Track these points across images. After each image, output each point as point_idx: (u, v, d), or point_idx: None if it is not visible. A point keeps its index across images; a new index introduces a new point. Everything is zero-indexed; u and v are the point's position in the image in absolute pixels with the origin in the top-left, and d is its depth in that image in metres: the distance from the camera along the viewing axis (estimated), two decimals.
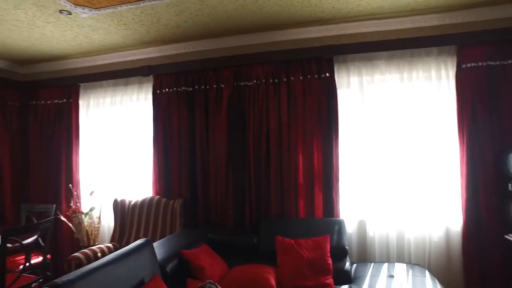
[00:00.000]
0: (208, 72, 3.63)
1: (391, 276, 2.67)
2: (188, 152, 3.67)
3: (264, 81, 3.47)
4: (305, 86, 3.37)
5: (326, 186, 3.28)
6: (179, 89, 3.74)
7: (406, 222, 3.15)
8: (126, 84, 4.04)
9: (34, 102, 4.32)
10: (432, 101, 3.18)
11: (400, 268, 2.80)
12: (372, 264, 2.95)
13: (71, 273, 1.70)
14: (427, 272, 2.71)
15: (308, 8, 2.99)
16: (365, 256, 3.24)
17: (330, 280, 2.59)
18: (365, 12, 3.13)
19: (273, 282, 2.45)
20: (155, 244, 2.71)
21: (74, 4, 2.79)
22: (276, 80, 3.45)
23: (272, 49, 3.49)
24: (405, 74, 3.24)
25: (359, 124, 3.33)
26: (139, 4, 2.78)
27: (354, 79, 3.37)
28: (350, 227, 3.29)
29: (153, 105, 3.83)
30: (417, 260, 3.10)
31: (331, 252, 2.77)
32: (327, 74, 3.31)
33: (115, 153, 4.03)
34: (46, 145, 4.19)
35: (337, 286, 2.57)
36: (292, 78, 3.40)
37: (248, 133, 3.48)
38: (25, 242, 2.82)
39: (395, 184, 3.20)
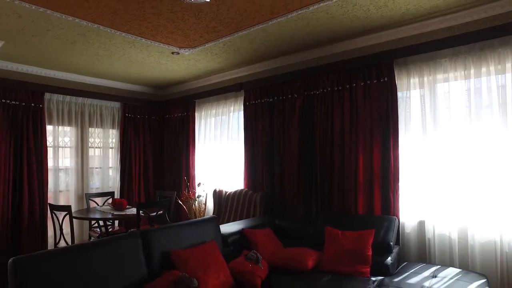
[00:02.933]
0: (284, 85, 4.26)
1: (434, 277, 2.70)
2: (269, 153, 4.38)
3: (329, 89, 3.85)
4: (366, 91, 3.60)
5: (384, 185, 3.43)
6: (262, 100, 4.49)
7: (471, 226, 3.00)
8: (226, 99, 5.07)
9: (167, 116, 5.87)
10: (506, 94, 2.93)
11: (450, 272, 2.77)
12: (423, 264, 2.98)
13: (153, 227, 2.65)
14: (481, 282, 2.57)
15: (357, 21, 3.27)
16: (425, 257, 3.23)
17: (366, 270, 2.84)
18: (420, 13, 3.15)
19: (309, 262, 2.89)
20: (230, 223, 3.56)
21: (179, 47, 3.90)
22: (340, 88, 3.78)
23: (336, 60, 3.85)
24: (473, 70, 3.08)
25: (422, 125, 3.34)
26: (219, 40, 3.67)
27: (414, 80, 3.40)
28: (409, 227, 3.34)
29: (244, 114, 4.70)
30: (484, 270, 2.90)
31: (375, 246, 2.97)
32: (385, 78, 3.46)
33: (218, 154, 5.10)
34: (173, 148, 5.66)
35: (372, 276, 2.80)
36: (354, 85, 3.68)
37: (316, 136, 3.94)
38: (151, 214, 4.10)
39: (460, 185, 3.07)
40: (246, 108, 4.68)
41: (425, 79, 3.34)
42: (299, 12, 2.99)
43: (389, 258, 2.94)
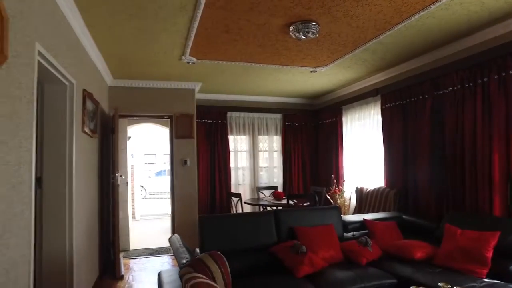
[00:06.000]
0: (414, 86, 4.38)
1: None
2: (403, 153, 4.58)
3: (459, 86, 3.78)
4: (500, 84, 3.37)
5: None
6: (396, 103, 4.72)
7: None
8: (367, 103, 5.50)
9: (320, 122, 6.77)
10: None
11: None
12: None
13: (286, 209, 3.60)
14: None
15: (476, 15, 3.16)
16: None
17: (481, 270, 2.80)
18: None
19: (418, 254, 3.12)
20: (357, 214, 4.10)
21: (314, 67, 4.75)
22: (470, 84, 3.66)
23: (465, 55, 3.73)
24: None
25: None
26: (344, 57, 4.29)
27: None
28: None
29: (381, 117, 5.04)
30: None
31: (499, 249, 2.86)
32: None
33: (362, 154, 5.58)
34: (325, 149, 6.49)
35: (488, 278, 2.75)
36: (486, 79, 3.50)
37: (446, 135, 3.91)
38: (300, 204, 5.09)
39: None
40: (382, 112, 4.99)
41: None
42: (403, 24, 3.28)
43: None
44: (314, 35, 3.37)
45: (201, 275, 1.45)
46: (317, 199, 5.03)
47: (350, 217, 3.92)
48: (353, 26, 3.33)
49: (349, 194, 5.60)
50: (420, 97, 4.30)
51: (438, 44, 3.87)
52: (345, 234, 3.72)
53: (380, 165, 5.11)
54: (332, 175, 6.01)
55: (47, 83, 2.79)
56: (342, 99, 6.08)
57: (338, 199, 5.51)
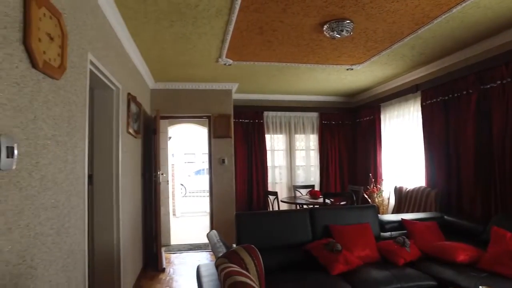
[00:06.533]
0: (457, 81, 4.19)
1: None
2: (445, 151, 4.39)
3: (509, 79, 3.56)
4: None
5: None
6: (438, 100, 4.54)
7: None
8: (406, 100, 5.33)
9: (358, 120, 6.64)
10: None
11: None
12: None
13: (322, 207, 3.61)
14: None
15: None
16: None
17: None
18: None
19: (460, 256, 2.98)
20: (395, 214, 4.01)
21: (350, 65, 4.69)
22: None
23: None
24: None
25: None
26: (380, 54, 4.20)
27: None
28: None
29: (421, 114, 4.86)
30: None
31: None
32: None
33: (401, 153, 5.41)
34: (363, 147, 6.36)
35: None
36: None
37: (493, 132, 3.70)
38: (337, 203, 5.05)
39: None
40: (423, 108, 4.82)
41: None
42: (443, 16, 3.16)
43: None
44: (349, 33, 3.35)
45: (235, 265, 1.54)
46: (354, 198, 4.97)
47: (388, 217, 3.84)
48: (389, 22, 3.27)
49: (387, 193, 5.46)
50: (464, 92, 4.10)
51: (484, 36, 3.67)
52: (382, 233, 3.66)
53: (420, 163, 4.93)
54: (370, 174, 5.89)
55: (97, 89, 3.04)
56: (380, 96, 5.94)
57: (376, 199, 5.39)
